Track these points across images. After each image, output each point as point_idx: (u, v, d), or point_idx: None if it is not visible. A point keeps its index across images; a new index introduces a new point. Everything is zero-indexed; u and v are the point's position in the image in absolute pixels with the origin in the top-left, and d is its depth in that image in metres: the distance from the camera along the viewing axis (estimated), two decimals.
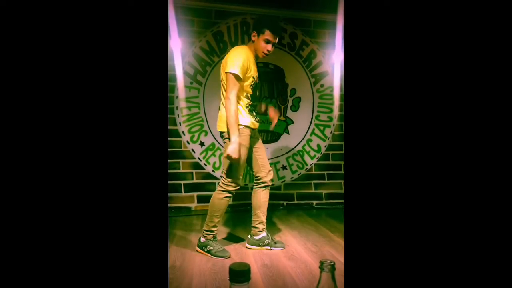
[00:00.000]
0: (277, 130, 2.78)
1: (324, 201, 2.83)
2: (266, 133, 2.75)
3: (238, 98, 1.59)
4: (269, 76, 2.74)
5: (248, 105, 1.66)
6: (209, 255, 1.63)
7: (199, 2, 2.55)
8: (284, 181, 2.79)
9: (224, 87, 1.61)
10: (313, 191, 2.83)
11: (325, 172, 2.85)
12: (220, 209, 1.65)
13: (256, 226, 1.74)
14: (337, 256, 1.64)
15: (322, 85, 2.83)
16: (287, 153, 2.79)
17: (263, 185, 1.74)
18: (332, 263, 0.47)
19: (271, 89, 2.74)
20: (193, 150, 2.61)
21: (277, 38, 1.61)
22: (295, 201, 2.80)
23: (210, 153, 2.64)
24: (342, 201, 2.78)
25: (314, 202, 2.82)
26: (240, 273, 0.39)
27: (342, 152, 2.85)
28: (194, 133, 2.61)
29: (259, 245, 1.73)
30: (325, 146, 2.86)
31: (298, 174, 2.81)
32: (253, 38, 1.61)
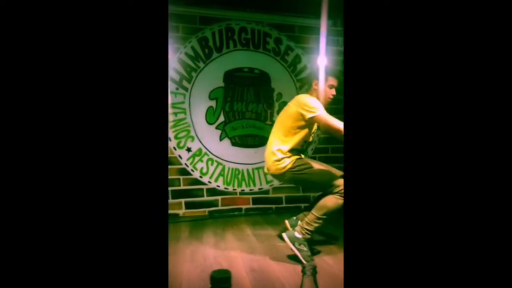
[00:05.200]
0: (265, 134, 2.79)
1: None
2: (254, 138, 2.76)
3: (301, 139, 1.68)
4: (255, 81, 2.76)
5: (303, 146, 1.74)
6: (297, 253, 1.57)
7: (183, 8, 2.55)
8: (272, 185, 2.79)
9: (287, 130, 1.68)
10: (301, 194, 2.84)
11: None
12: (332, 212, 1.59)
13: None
14: (325, 258, 1.65)
15: (307, 90, 2.86)
16: None
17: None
18: (314, 266, 0.47)
19: (257, 93, 2.76)
20: (180, 156, 2.59)
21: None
22: (284, 205, 2.81)
23: (197, 158, 2.62)
24: None
25: (303, 205, 2.84)
26: (221, 280, 0.39)
27: (328, 155, 2.88)
28: (180, 139, 2.59)
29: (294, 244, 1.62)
30: (311, 150, 2.88)
31: None
32: (315, 87, 1.73)
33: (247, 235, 2.10)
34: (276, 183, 2.79)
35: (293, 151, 1.68)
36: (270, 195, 2.79)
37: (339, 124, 1.54)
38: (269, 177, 2.78)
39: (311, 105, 1.60)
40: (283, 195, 2.81)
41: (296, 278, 1.42)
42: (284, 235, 1.64)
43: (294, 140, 1.67)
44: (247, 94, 2.73)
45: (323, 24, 2.14)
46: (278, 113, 2.81)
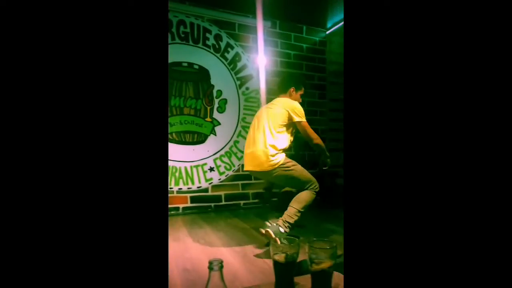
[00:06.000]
0: (204, 131, 2.75)
1: (251, 201, 2.89)
2: (193, 134, 2.69)
3: (290, 139, 1.83)
4: (194, 76, 2.70)
5: (287, 149, 1.83)
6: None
7: None
8: (211, 183, 2.77)
9: (277, 127, 1.79)
10: (240, 191, 2.87)
11: None
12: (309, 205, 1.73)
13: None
14: (258, 252, 1.69)
15: (247, 88, 2.89)
16: (214, 154, 2.78)
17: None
18: (221, 261, 0.47)
19: (197, 89, 2.70)
20: None
21: None
22: (223, 203, 2.80)
23: None
24: None
25: (242, 202, 2.87)
26: None
27: None
28: None
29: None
30: None
31: (225, 176, 2.82)
32: (292, 93, 1.94)
33: (183, 235, 2.04)
34: (215, 181, 2.77)
35: (284, 149, 1.80)
36: (210, 193, 2.76)
37: (314, 135, 1.82)
38: (208, 175, 2.75)
39: (301, 111, 1.82)
40: (222, 193, 2.81)
41: (230, 275, 1.43)
42: (269, 231, 1.64)
43: (285, 138, 1.80)
44: (186, 89, 2.66)
45: (259, 24, 2.18)
46: (218, 111, 2.79)
